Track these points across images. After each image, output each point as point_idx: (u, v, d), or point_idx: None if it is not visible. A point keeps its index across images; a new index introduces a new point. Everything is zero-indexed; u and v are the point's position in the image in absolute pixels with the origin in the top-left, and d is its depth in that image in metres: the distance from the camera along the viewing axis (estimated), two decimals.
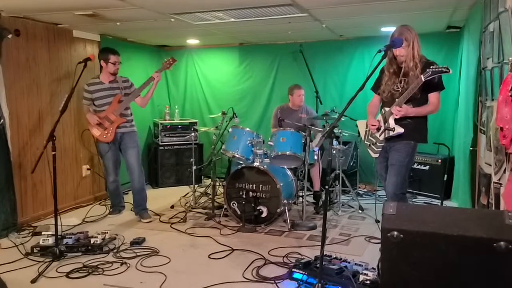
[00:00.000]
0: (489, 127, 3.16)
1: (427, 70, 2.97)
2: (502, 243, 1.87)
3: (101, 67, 4.47)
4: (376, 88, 3.45)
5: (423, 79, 2.99)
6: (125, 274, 3.21)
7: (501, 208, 2.77)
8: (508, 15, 2.63)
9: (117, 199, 4.74)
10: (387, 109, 3.28)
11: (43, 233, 3.74)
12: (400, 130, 3.19)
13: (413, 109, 3.16)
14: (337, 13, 4.28)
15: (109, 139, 4.35)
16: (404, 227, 2.06)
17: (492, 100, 3.15)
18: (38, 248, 3.54)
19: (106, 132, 4.33)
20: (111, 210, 4.75)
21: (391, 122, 3.23)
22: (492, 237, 1.90)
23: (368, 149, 3.56)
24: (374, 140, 3.46)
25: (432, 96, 3.17)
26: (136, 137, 4.56)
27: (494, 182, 2.98)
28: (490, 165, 3.11)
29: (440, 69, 2.95)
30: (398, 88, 3.24)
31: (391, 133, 3.24)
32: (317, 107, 5.74)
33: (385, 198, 3.59)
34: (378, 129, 3.38)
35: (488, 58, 3.36)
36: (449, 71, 2.95)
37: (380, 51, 2.94)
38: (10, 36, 4.08)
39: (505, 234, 1.89)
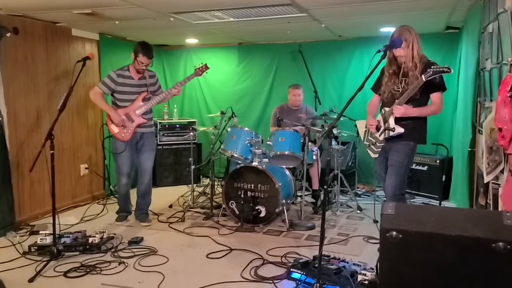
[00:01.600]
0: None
1: (428, 70, 2.96)
2: (500, 243, 1.87)
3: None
4: (376, 88, 3.45)
5: (424, 79, 2.97)
6: (123, 273, 3.21)
7: (499, 209, 2.77)
8: (507, 16, 2.63)
9: (125, 203, 4.49)
10: (387, 109, 3.28)
11: (40, 232, 3.73)
12: (400, 130, 3.19)
13: (414, 109, 3.16)
14: (336, 13, 4.28)
15: (127, 139, 4.16)
16: (402, 227, 2.06)
17: (491, 100, 3.15)
18: (36, 247, 3.53)
19: (125, 130, 4.15)
20: (117, 215, 4.47)
21: (391, 122, 3.22)
22: (490, 238, 1.90)
23: (368, 149, 3.56)
24: (374, 140, 3.46)
25: (435, 96, 3.17)
26: (154, 139, 4.44)
27: (492, 183, 2.98)
28: None
29: (441, 69, 2.94)
30: (399, 88, 3.24)
31: (391, 133, 3.23)
32: (316, 107, 5.74)
33: (384, 198, 3.59)
34: (378, 129, 3.38)
35: (487, 59, 3.36)
36: (451, 70, 2.93)
37: (379, 51, 2.95)
38: (8, 34, 4.08)
39: (503, 234, 1.89)
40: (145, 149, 4.31)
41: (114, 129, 4.17)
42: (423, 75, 2.98)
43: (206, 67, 4.37)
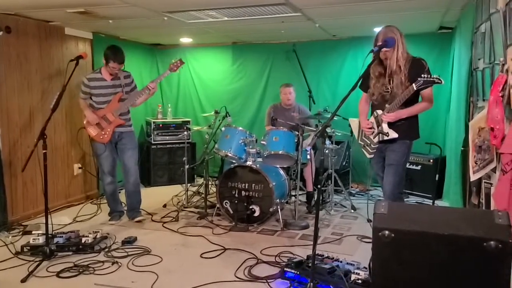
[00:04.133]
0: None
1: (419, 79, 2.94)
2: (492, 242, 1.89)
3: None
4: (364, 87, 3.43)
5: (415, 88, 2.97)
6: (116, 273, 3.20)
7: (491, 208, 2.79)
8: (500, 16, 2.65)
9: (115, 203, 4.47)
10: (379, 112, 3.27)
11: (33, 232, 3.72)
12: (394, 135, 3.20)
13: (405, 111, 3.16)
14: (330, 12, 4.29)
15: (106, 140, 4.14)
16: (395, 226, 2.07)
17: (483, 100, 3.17)
18: (29, 247, 3.51)
19: (103, 132, 4.13)
20: (110, 216, 4.48)
21: (385, 126, 3.23)
22: (482, 237, 1.91)
23: (363, 149, 3.57)
24: (369, 141, 3.46)
25: (425, 93, 3.17)
26: (135, 137, 4.40)
27: (485, 182, 3.00)
28: None
29: (432, 79, 2.91)
30: (388, 88, 3.22)
31: (385, 138, 3.25)
32: (310, 106, 5.75)
33: (378, 198, 3.60)
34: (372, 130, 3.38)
35: (479, 59, 3.38)
36: (441, 81, 2.91)
37: (372, 51, 2.95)
38: (1, 33, 4.05)
39: (494, 233, 1.91)
40: (126, 148, 4.29)
41: (92, 132, 4.18)
42: (414, 84, 2.97)
43: (181, 62, 4.32)
